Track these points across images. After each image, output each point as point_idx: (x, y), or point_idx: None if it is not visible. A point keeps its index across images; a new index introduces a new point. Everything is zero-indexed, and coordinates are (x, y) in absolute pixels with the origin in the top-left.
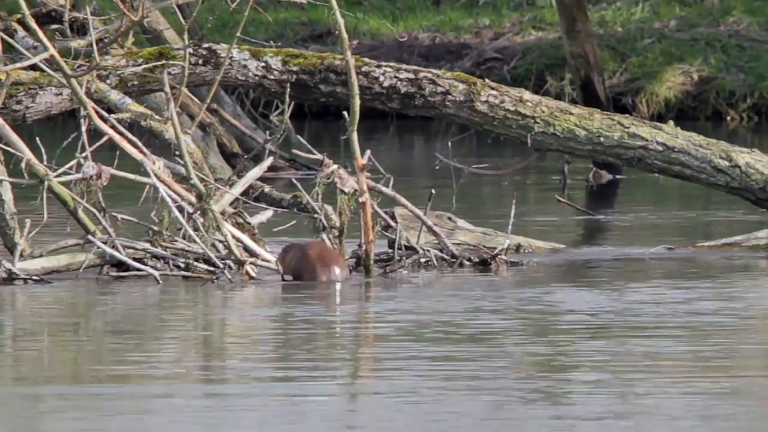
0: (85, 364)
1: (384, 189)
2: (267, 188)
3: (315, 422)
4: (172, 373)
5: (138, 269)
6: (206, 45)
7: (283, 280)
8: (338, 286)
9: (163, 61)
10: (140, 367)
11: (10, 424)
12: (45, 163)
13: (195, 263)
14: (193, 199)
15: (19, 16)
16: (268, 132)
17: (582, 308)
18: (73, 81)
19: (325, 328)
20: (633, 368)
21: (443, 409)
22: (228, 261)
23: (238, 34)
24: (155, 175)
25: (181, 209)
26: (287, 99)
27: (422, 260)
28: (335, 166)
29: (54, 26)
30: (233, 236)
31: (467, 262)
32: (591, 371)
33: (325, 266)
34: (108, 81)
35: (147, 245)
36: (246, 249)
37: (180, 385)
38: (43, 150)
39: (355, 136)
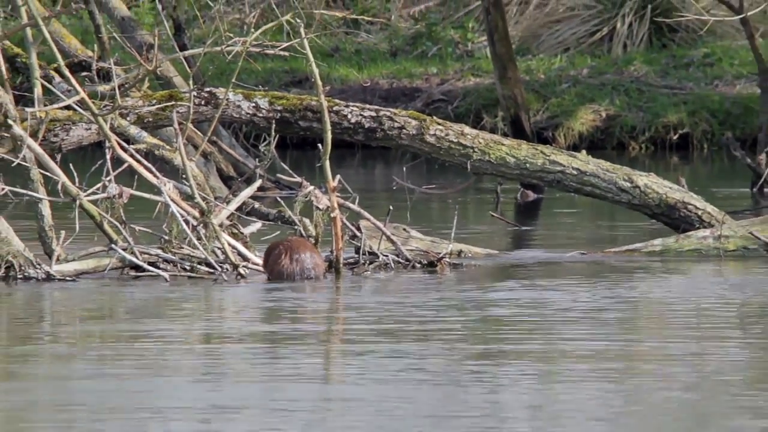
0: (109, 338)
1: (351, 206)
2: (257, 205)
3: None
4: (179, 342)
5: (152, 271)
6: (207, 89)
7: (269, 280)
8: (314, 279)
9: (173, 102)
10: (154, 340)
11: (48, 377)
12: (77, 184)
13: (198, 266)
14: (197, 214)
15: (55, 65)
16: (257, 159)
17: (510, 301)
18: (100, 118)
19: (304, 314)
20: (551, 348)
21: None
22: (225, 264)
23: (233, 80)
24: (166, 194)
25: (187, 222)
26: (273, 132)
27: (382, 263)
28: (312, 187)
29: (84, 74)
30: (229, 244)
31: (418, 265)
32: (516, 350)
33: (297, 254)
34: (128, 118)
35: (159, 251)
36: (239, 254)
37: (185, 348)
38: (75, 174)
39: (327, 163)
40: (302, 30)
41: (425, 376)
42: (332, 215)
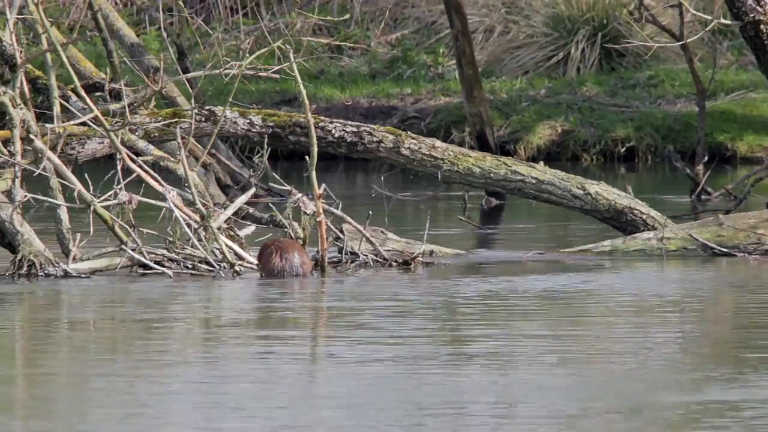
0: (121, 327)
1: (335, 211)
2: (251, 210)
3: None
4: (181, 326)
5: (158, 269)
6: (207, 107)
7: (262, 276)
8: (301, 277)
9: (176, 119)
10: (159, 326)
11: (65, 351)
12: (91, 192)
13: (199, 264)
14: (198, 218)
15: (72, 86)
16: (251, 169)
17: (476, 293)
18: (111, 133)
19: (293, 303)
20: (510, 331)
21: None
22: (223, 263)
23: (230, 100)
24: (171, 200)
25: (189, 225)
26: (265, 146)
27: (362, 262)
28: (300, 195)
29: (97, 93)
30: (226, 245)
31: (394, 263)
32: (481, 334)
33: (288, 254)
34: (136, 133)
35: (164, 251)
36: (235, 254)
37: (186, 333)
38: (89, 183)
39: (314, 173)
40: (291, 55)
41: (398, 355)
42: (318, 219)
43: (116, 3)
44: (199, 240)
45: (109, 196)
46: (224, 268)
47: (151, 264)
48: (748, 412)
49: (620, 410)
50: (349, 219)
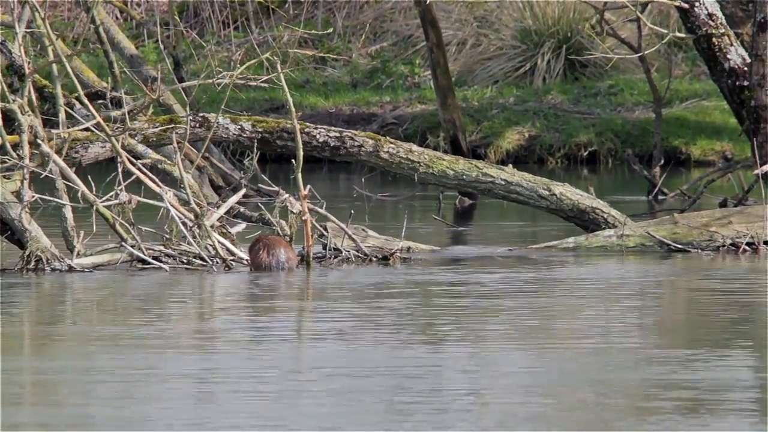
0: (122, 315)
1: (319, 210)
2: (242, 209)
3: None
4: (178, 317)
5: (155, 264)
6: (201, 114)
7: (251, 271)
8: (287, 270)
9: (173, 125)
10: (156, 316)
11: (69, 349)
12: (94, 193)
13: (193, 260)
14: (192, 217)
15: (76, 94)
16: (242, 172)
17: (449, 284)
18: (113, 138)
19: (279, 291)
20: (480, 315)
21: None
22: (215, 258)
23: (223, 107)
24: (167, 200)
25: (184, 224)
26: (255, 150)
27: (345, 257)
28: (287, 195)
29: (100, 101)
30: (219, 241)
31: (374, 259)
32: (452, 318)
33: (275, 250)
34: (136, 138)
35: (161, 247)
36: (227, 250)
37: (182, 322)
38: (92, 184)
39: (299, 175)
40: (279, 66)
41: (378, 336)
42: (304, 218)
43: (117, 17)
44: (194, 237)
45: (111, 196)
46: (217, 262)
47: (149, 259)
48: (701, 387)
49: (584, 382)
50: (332, 217)
